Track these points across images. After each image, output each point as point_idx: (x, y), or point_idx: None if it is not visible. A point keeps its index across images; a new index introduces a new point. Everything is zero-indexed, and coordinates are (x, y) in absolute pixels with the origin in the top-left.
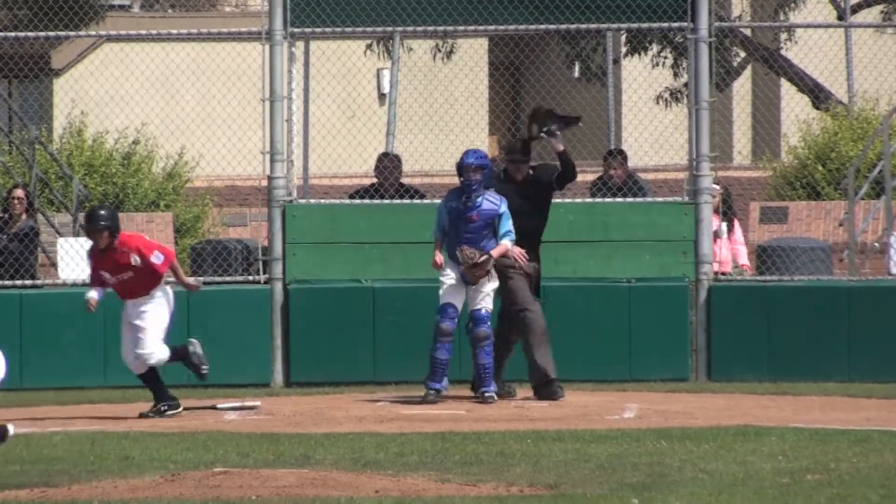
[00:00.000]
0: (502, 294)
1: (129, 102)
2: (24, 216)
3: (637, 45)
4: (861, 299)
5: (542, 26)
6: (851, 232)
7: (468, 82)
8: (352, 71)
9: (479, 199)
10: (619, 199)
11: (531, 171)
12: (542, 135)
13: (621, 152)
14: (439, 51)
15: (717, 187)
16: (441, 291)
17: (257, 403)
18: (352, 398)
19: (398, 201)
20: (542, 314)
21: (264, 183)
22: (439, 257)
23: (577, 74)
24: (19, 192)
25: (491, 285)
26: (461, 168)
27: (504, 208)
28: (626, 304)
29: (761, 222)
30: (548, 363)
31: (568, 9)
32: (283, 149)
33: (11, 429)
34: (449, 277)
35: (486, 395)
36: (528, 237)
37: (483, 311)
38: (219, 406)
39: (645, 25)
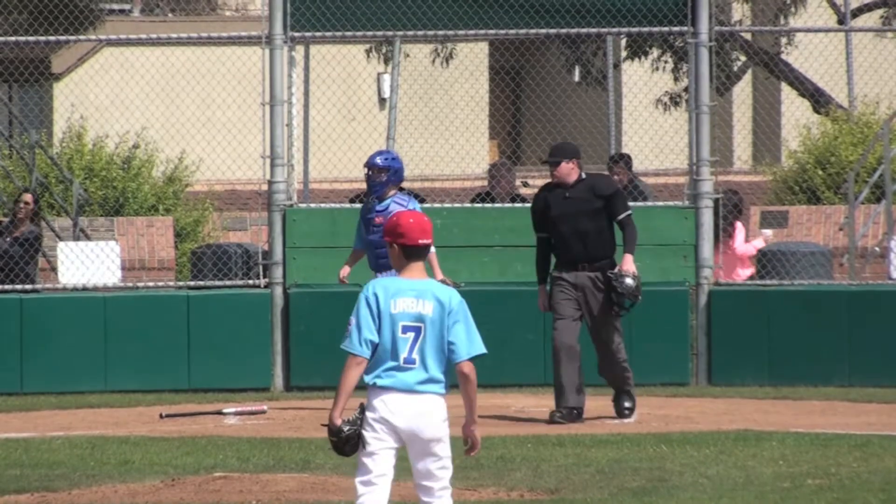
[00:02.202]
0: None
1: (130, 106)
2: (28, 222)
3: (637, 49)
4: (861, 303)
5: (543, 30)
6: (852, 236)
7: (468, 86)
8: (352, 75)
9: (387, 201)
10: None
11: (583, 176)
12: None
13: (624, 157)
14: (438, 55)
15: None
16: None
17: (264, 408)
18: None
19: None
20: (566, 332)
21: (264, 187)
22: (345, 270)
23: (577, 79)
24: (27, 197)
25: None
26: (367, 168)
27: (412, 207)
28: None
29: (762, 226)
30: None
31: (568, 13)
32: (283, 153)
33: None
34: None
35: None
36: (576, 245)
37: None
38: (225, 411)
39: (645, 30)
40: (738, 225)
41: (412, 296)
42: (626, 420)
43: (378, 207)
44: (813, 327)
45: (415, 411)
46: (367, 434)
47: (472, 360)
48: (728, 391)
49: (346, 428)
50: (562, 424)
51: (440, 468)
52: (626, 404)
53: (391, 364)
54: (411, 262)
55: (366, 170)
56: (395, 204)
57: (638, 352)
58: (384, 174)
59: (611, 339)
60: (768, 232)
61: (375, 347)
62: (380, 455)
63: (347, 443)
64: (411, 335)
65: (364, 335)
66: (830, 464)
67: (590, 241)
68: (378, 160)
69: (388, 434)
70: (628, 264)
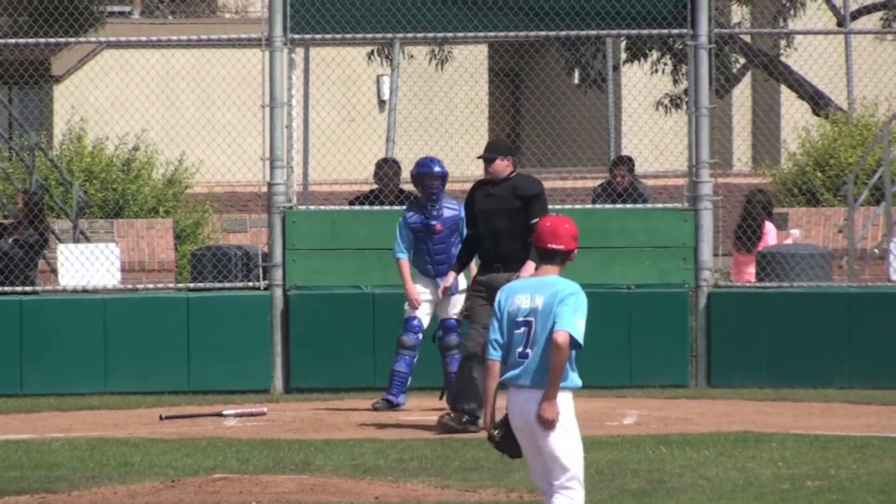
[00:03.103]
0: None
1: (129, 109)
2: (29, 226)
3: (637, 51)
4: (861, 305)
5: (542, 33)
6: (851, 238)
7: (468, 89)
8: (352, 77)
9: (439, 207)
10: (618, 206)
11: (511, 174)
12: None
13: (624, 159)
14: (435, 57)
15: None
16: (406, 305)
17: (264, 410)
18: (352, 404)
19: (398, 207)
20: (475, 339)
21: (264, 189)
22: (414, 292)
23: (576, 81)
24: (18, 198)
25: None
26: (424, 177)
27: (463, 213)
28: (625, 311)
29: None
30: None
31: (567, 15)
32: (282, 155)
33: None
34: (422, 294)
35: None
36: (489, 242)
37: (454, 320)
38: (225, 412)
39: (645, 32)
40: (769, 225)
41: (528, 292)
42: None
43: (438, 215)
44: (812, 329)
45: (521, 406)
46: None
47: (572, 344)
48: (727, 393)
49: (495, 432)
50: (453, 428)
51: (555, 465)
52: None
53: (510, 361)
54: (542, 264)
55: (414, 177)
56: (447, 209)
57: (637, 353)
58: (441, 181)
59: None
60: (796, 232)
61: (506, 348)
62: (527, 453)
63: (503, 442)
64: (524, 330)
65: (491, 337)
66: (830, 465)
67: (503, 241)
68: (437, 168)
69: (520, 432)
70: (527, 271)
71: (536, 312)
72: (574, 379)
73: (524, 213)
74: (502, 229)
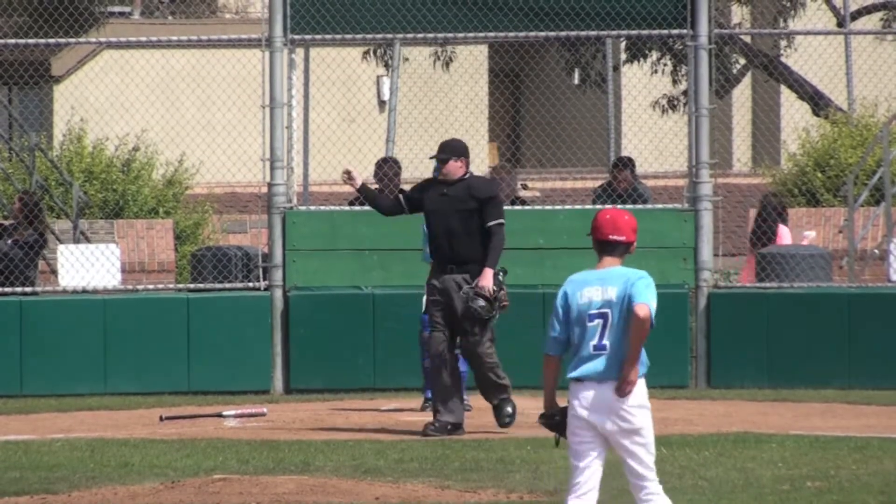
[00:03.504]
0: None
1: (129, 109)
2: (28, 225)
3: (637, 52)
4: (861, 306)
5: (542, 33)
6: (851, 238)
7: (468, 89)
8: (352, 78)
9: None
10: (619, 206)
11: (465, 175)
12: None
13: (625, 160)
14: (438, 58)
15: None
16: (425, 300)
17: (264, 410)
18: (352, 404)
19: None
20: (435, 341)
21: (264, 190)
22: None
23: (576, 81)
24: (15, 200)
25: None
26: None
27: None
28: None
29: None
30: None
31: (567, 16)
32: (283, 155)
33: None
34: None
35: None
36: (444, 243)
37: None
38: (225, 413)
39: (645, 32)
40: (783, 228)
41: (597, 284)
42: (506, 428)
43: None
44: (812, 330)
45: (601, 400)
46: (569, 431)
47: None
48: (727, 393)
49: (540, 420)
50: (435, 437)
51: (639, 462)
52: (508, 409)
53: (583, 354)
54: (603, 256)
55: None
56: None
57: None
58: None
59: (477, 343)
60: (812, 234)
61: (566, 343)
62: (578, 453)
63: (554, 429)
64: (599, 322)
65: (550, 333)
66: (830, 466)
67: (457, 242)
68: None
69: (584, 429)
70: (485, 280)
71: (611, 303)
72: (647, 363)
73: (479, 215)
74: (457, 230)
